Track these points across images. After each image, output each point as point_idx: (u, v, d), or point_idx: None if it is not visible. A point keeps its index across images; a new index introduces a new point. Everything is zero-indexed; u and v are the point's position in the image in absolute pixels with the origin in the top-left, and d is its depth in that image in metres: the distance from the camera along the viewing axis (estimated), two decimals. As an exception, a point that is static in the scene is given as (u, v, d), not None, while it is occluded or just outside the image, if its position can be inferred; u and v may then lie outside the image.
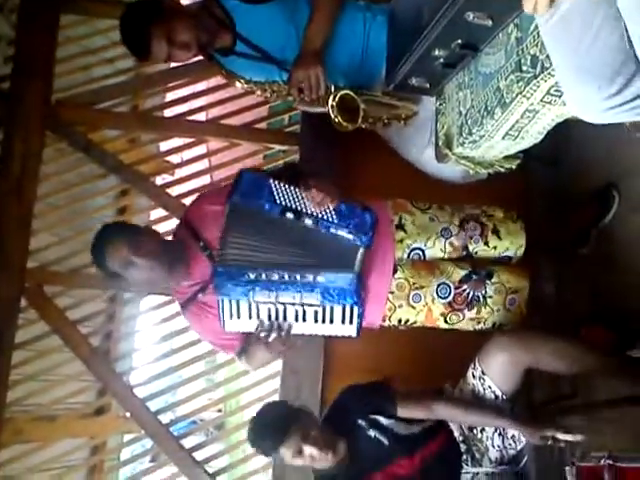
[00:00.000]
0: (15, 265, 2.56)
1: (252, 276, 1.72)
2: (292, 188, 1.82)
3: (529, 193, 2.58)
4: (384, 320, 1.96)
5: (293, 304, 1.78)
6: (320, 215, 1.80)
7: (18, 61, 2.66)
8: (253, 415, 1.92)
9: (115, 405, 3.07)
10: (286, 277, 1.73)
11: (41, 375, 2.73)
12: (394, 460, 1.88)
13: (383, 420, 1.90)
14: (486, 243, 1.98)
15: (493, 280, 1.96)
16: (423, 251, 1.95)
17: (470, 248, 1.98)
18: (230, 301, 1.79)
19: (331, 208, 1.81)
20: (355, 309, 1.83)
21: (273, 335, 1.80)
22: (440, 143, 1.69)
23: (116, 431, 3.23)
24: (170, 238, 2.02)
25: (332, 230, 1.80)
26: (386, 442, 1.88)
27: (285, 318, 1.81)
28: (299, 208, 1.80)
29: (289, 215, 1.79)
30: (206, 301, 1.89)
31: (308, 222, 1.80)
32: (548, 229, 2.37)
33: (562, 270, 2.41)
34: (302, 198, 1.81)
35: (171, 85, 2.97)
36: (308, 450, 1.79)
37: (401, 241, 1.93)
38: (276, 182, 1.82)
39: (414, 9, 1.51)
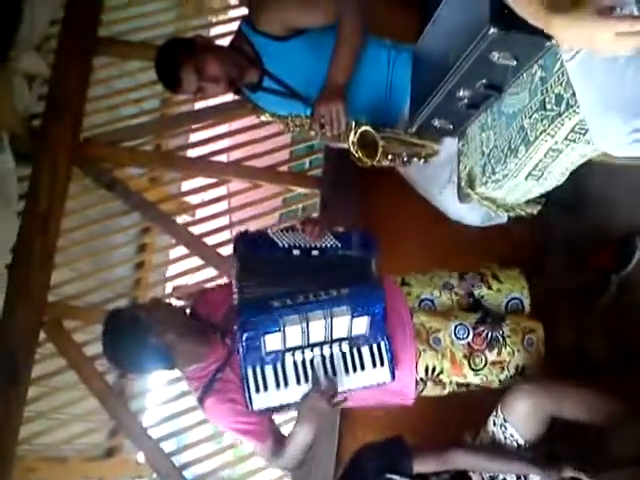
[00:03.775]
0: (36, 298, 2.57)
1: (277, 304, 1.71)
2: (289, 231, 1.89)
3: (548, 239, 2.57)
4: None
5: (322, 344, 1.76)
6: (324, 245, 1.87)
7: (51, 100, 2.74)
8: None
9: (127, 447, 3.02)
10: (311, 297, 1.73)
11: (53, 413, 2.71)
12: None
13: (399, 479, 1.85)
14: (489, 287, 2.00)
15: (507, 322, 1.95)
16: (432, 301, 1.98)
17: (475, 293, 1.99)
18: (254, 370, 1.75)
19: (332, 237, 1.88)
20: (382, 346, 1.82)
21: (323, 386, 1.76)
22: (462, 183, 1.70)
23: (127, 474, 3.17)
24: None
25: (340, 253, 1.87)
26: None
27: (313, 370, 1.78)
28: (303, 245, 1.86)
29: (295, 252, 1.85)
30: (228, 379, 1.83)
31: (315, 253, 1.85)
32: (567, 274, 2.34)
33: (582, 318, 2.37)
34: (302, 237, 1.88)
35: (194, 127, 3.05)
36: None
37: (409, 294, 1.97)
38: (272, 230, 1.91)
39: (439, 51, 1.54)
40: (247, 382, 1.74)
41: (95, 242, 2.89)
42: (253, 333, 1.69)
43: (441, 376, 1.92)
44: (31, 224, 2.62)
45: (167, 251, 3.23)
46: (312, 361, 1.78)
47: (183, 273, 2.85)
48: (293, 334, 1.71)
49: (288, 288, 1.78)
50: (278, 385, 1.76)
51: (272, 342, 1.72)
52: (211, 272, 2.80)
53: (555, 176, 1.49)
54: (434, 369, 1.92)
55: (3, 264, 2.51)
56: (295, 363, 1.77)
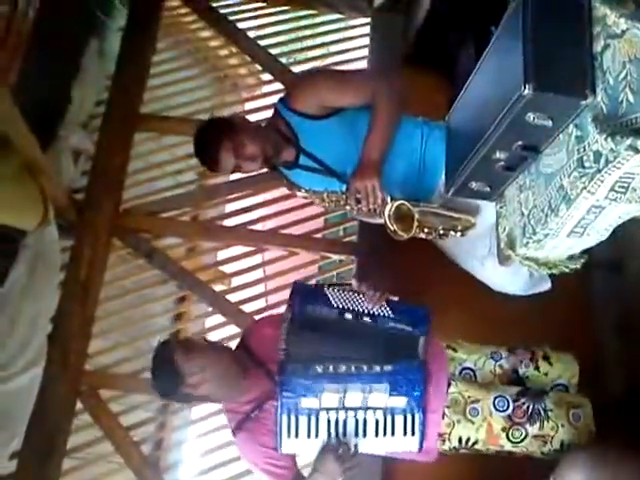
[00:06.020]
0: (74, 367, 2.59)
1: (319, 370, 1.76)
2: (345, 292, 1.91)
3: (593, 308, 2.50)
4: (444, 441, 1.88)
5: (357, 409, 1.78)
6: (377, 312, 1.88)
7: (94, 175, 2.87)
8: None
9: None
10: (353, 369, 1.76)
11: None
12: None
13: None
14: (537, 368, 1.96)
15: (550, 394, 1.90)
16: (474, 371, 1.96)
17: (520, 372, 1.96)
18: (289, 417, 1.79)
19: (386, 305, 1.88)
20: (417, 417, 1.81)
21: (341, 450, 1.78)
22: (502, 245, 1.68)
23: None
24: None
25: (391, 324, 1.87)
26: None
27: (345, 433, 1.80)
28: (356, 308, 1.88)
29: (348, 316, 1.87)
30: (263, 418, 1.85)
31: (367, 320, 1.87)
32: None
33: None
34: (357, 299, 1.89)
35: (230, 197, 3.12)
36: None
37: (452, 359, 1.95)
38: (329, 289, 1.93)
39: (473, 116, 1.57)
40: (280, 427, 1.79)
41: (131, 311, 2.92)
42: (291, 394, 1.76)
43: (476, 446, 1.89)
44: (71, 294, 2.68)
45: (203, 320, 3.24)
46: (345, 421, 1.82)
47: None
48: (329, 399, 1.78)
49: (333, 353, 1.81)
50: (309, 435, 1.81)
51: (308, 403, 1.78)
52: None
53: (598, 232, 1.46)
54: (468, 440, 1.88)
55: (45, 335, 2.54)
56: (329, 420, 1.81)
